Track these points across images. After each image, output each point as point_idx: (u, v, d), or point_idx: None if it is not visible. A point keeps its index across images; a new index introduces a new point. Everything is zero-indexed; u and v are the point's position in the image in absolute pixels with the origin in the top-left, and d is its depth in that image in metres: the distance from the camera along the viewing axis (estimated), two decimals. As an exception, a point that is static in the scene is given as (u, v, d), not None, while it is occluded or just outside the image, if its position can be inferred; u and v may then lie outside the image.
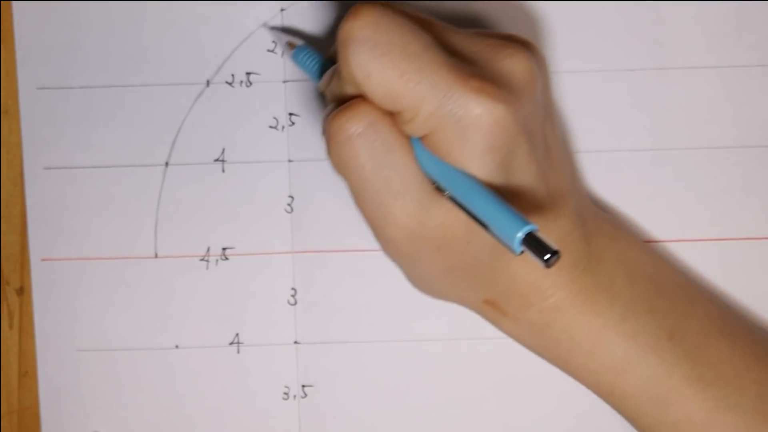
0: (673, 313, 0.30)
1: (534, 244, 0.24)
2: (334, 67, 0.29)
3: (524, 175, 0.27)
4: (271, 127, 0.34)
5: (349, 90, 0.27)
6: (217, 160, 0.34)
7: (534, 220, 0.27)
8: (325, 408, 0.35)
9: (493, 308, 0.30)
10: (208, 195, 0.34)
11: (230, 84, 0.34)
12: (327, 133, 0.27)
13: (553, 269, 0.29)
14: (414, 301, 0.34)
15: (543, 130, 0.28)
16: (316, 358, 0.34)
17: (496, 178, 0.26)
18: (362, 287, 0.34)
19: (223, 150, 0.34)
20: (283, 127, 0.34)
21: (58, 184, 0.34)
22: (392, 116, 0.27)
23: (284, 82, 0.34)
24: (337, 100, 0.28)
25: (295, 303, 0.34)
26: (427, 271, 0.29)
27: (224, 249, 0.34)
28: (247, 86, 0.34)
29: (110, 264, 0.34)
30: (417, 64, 0.26)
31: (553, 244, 0.24)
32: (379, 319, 0.34)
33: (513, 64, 0.27)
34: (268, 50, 0.34)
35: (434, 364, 0.34)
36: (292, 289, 0.34)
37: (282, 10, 0.34)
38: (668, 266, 0.32)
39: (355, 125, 0.27)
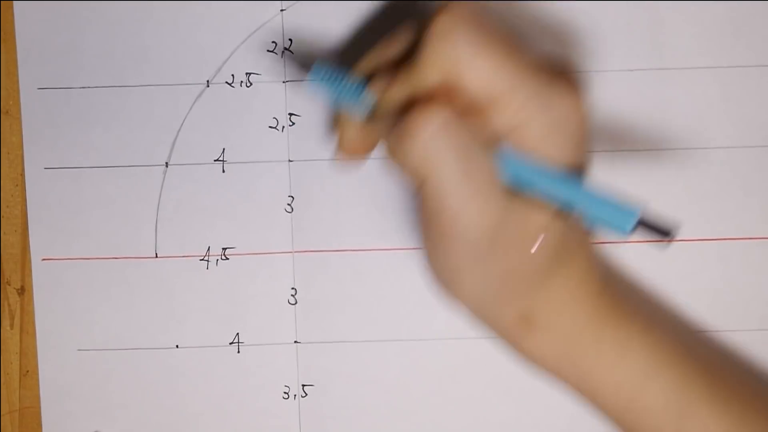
0: (684, 333, 0.31)
1: (647, 225, 0.26)
2: (384, 76, 0.28)
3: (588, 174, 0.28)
4: (271, 127, 0.34)
5: (429, 83, 0.27)
6: (217, 160, 0.34)
7: None
8: (325, 408, 0.35)
9: (525, 323, 0.30)
10: (208, 195, 0.34)
11: (230, 84, 0.34)
12: (409, 130, 0.26)
13: (585, 281, 0.30)
14: (414, 301, 0.34)
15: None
16: (316, 357, 0.35)
17: (579, 172, 0.27)
18: (362, 287, 0.34)
19: (223, 150, 0.34)
20: (283, 128, 0.34)
21: (58, 184, 0.34)
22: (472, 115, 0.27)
23: (284, 82, 0.34)
24: (399, 106, 0.28)
25: (295, 303, 0.35)
26: (484, 275, 0.28)
27: (224, 249, 0.34)
28: (247, 86, 0.34)
29: (111, 264, 0.35)
30: (516, 56, 0.26)
31: (666, 221, 0.25)
32: (379, 319, 0.34)
33: (570, 77, 0.28)
34: (268, 50, 0.34)
35: (434, 364, 0.34)
36: (292, 288, 0.34)
37: (282, 10, 0.34)
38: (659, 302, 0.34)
39: (442, 120, 0.26)
